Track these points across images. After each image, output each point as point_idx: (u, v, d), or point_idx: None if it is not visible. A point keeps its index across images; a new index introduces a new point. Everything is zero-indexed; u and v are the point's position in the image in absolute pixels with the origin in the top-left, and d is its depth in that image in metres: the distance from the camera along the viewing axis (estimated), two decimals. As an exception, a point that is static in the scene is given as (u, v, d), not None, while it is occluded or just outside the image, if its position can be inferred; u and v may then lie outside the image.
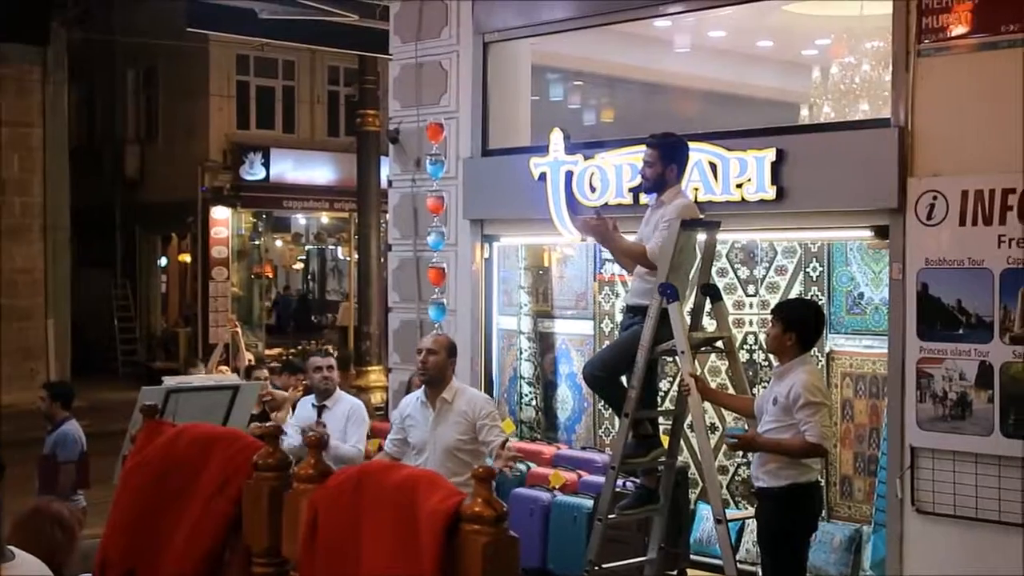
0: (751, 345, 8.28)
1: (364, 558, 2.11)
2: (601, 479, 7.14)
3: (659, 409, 7.17)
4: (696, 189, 7.30)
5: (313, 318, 26.17)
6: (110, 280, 25.35)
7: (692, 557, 7.92)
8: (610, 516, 6.46)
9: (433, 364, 6.39)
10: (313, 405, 7.55)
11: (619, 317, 8.31)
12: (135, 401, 7.11)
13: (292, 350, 21.03)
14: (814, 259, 8.02)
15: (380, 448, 8.24)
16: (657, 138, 6.62)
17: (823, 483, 7.31)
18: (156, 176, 24.16)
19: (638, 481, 6.85)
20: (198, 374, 9.75)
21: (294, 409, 8.42)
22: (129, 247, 25.61)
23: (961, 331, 6.39)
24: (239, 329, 11.97)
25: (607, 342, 8.58)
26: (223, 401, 7.50)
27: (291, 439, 7.41)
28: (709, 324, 6.87)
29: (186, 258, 24.65)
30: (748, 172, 7.21)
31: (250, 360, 11.40)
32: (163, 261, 26.08)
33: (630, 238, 6.71)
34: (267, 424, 8.69)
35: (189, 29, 13.14)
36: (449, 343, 6.61)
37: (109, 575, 2.60)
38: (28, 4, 18.46)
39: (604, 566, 6.50)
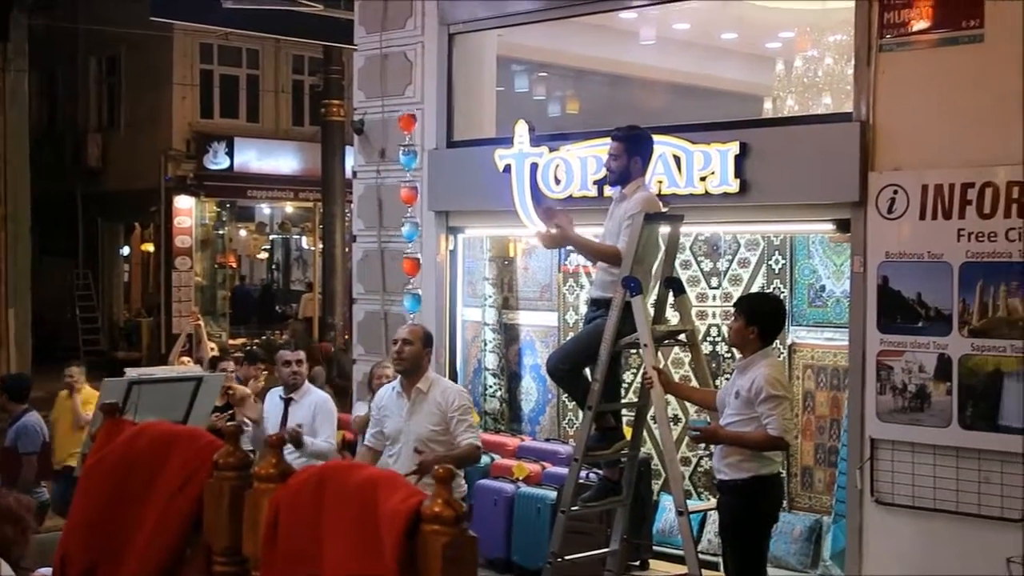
0: (714, 337, 8.33)
1: (325, 557, 2.11)
2: (565, 470, 7.17)
3: (622, 402, 7.19)
4: (660, 182, 7.33)
5: (277, 308, 26.04)
6: (72, 270, 25.14)
7: (654, 548, 7.99)
8: (573, 508, 6.48)
9: (409, 354, 6.39)
10: (281, 397, 7.53)
11: (584, 309, 8.33)
12: (97, 391, 7.08)
13: (256, 341, 20.95)
14: (776, 252, 8.08)
15: (344, 439, 8.26)
16: (622, 131, 6.64)
17: (784, 474, 7.37)
18: (118, 165, 23.97)
19: (601, 473, 6.88)
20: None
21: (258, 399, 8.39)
22: (91, 236, 25.40)
23: (921, 324, 6.45)
24: (201, 322, 11.88)
25: (572, 334, 8.60)
26: (186, 393, 7.45)
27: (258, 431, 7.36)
28: (672, 317, 6.91)
29: (149, 247, 24.49)
30: (712, 165, 7.25)
31: (212, 349, 11.34)
32: (126, 250, 25.88)
33: (596, 231, 6.73)
34: (228, 413, 8.69)
35: (153, 18, 13.02)
36: (425, 333, 6.61)
37: (69, 572, 2.59)
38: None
39: (567, 557, 6.52)
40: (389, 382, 7.94)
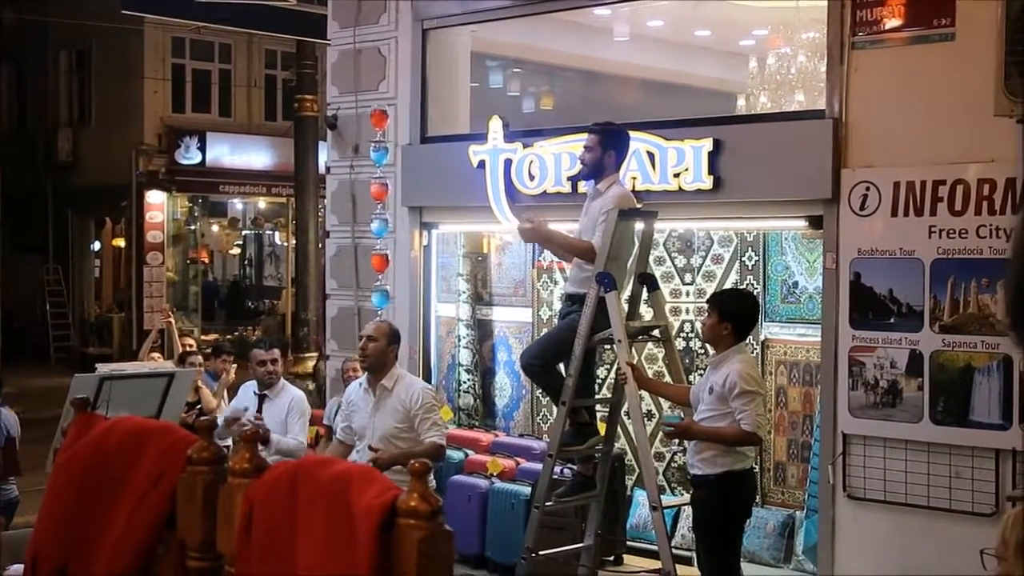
0: (687, 333, 8.35)
1: (299, 552, 2.10)
2: (539, 466, 7.17)
3: (596, 397, 7.21)
4: (634, 178, 7.34)
5: (250, 304, 25.90)
6: (42, 265, 24.94)
7: (628, 543, 8.01)
8: (547, 503, 6.49)
9: (373, 350, 6.40)
10: (255, 393, 7.50)
11: (557, 305, 8.34)
12: (68, 388, 7.02)
13: (229, 336, 20.85)
14: (750, 248, 8.10)
15: (317, 435, 8.24)
16: (600, 125, 6.68)
17: (757, 470, 7.40)
18: (89, 159, 23.79)
19: (575, 468, 6.89)
20: None
21: (230, 393, 8.36)
22: (61, 232, 25.20)
23: (892, 320, 6.49)
24: (172, 319, 11.75)
25: (545, 329, 8.61)
26: (158, 388, 7.41)
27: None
28: (646, 312, 6.93)
29: (120, 243, 24.32)
30: (685, 162, 7.27)
31: (189, 346, 11.25)
32: (96, 246, 25.69)
33: (570, 227, 6.74)
34: (197, 408, 8.66)
35: (124, 11, 12.89)
36: (390, 330, 6.61)
37: (41, 570, 2.56)
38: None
39: (541, 553, 6.54)
40: (357, 377, 7.98)
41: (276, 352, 7.71)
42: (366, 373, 6.52)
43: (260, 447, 6.78)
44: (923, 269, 6.38)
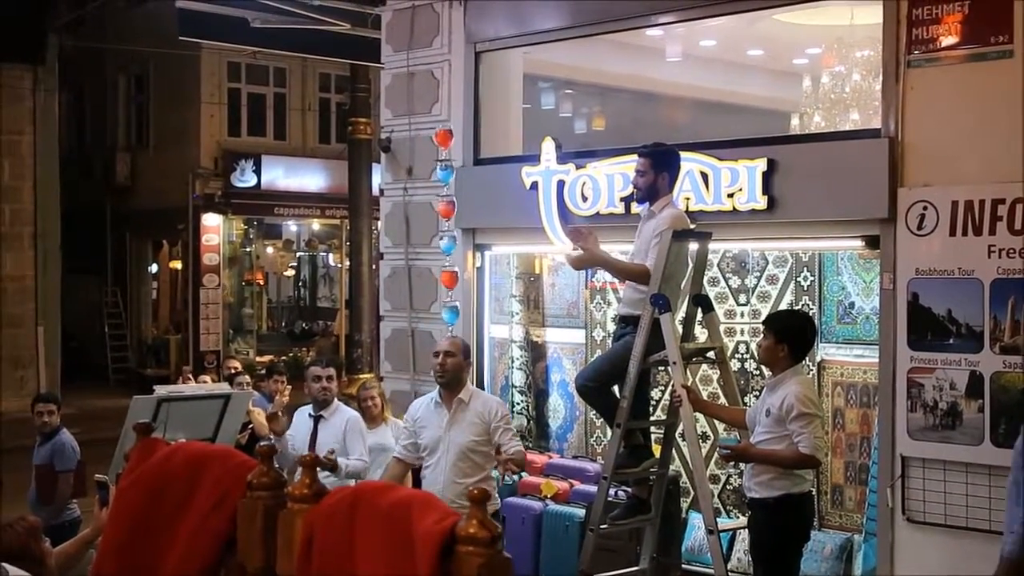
0: (742, 354, 8.29)
1: (359, 578, 2.11)
2: (593, 488, 7.15)
3: (651, 419, 7.18)
4: (687, 199, 7.32)
5: (304, 325, 26.13)
6: (100, 287, 25.34)
7: (684, 566, 7.94)
8: (602, 526, 6.48)
9: (452, 365, 6.50)
10: (310, 415, 7.52)
11: (611, 326, 8.31)
12: (126, 409, 7.12)
13: (283, 358, 21.03)
14: (805, 268, 8.04)
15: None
16: (649, 147, 6.66)
17: (815, 492, 7.32)
18: (147, 183, 24.15)
19: (630, 491, 6.86)
20: None
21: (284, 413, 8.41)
22: (119, 254, 25.59)
23: (951, 341, 6.40)
24: (192, 380, 11.56)
25: (599, 350, 8.59)
26: (215, 410, 7.50)
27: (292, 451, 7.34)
28: (701, 334, 6.90)
29: (177, 265, 24.64)
30: (739, 182, 7.22)
31: (235, 368, 11.34)
32: (154, 268, 26.05)
33: (624, 248, 6.73)
34: (249, 429, 8.70)
35: (181, 38, 13.10)
36: (465, 345, 6.75)
37: (103, 592, 2.60)
38: (24, 22, 18.44)
39: (596, 576, 6.52)
40: (375, 404, 7.96)
41: (332, 369, 7.75)
42: (439, 388, 6.56)
43: (328, 473, 6.88)
44: (982, 289, 6.29)
